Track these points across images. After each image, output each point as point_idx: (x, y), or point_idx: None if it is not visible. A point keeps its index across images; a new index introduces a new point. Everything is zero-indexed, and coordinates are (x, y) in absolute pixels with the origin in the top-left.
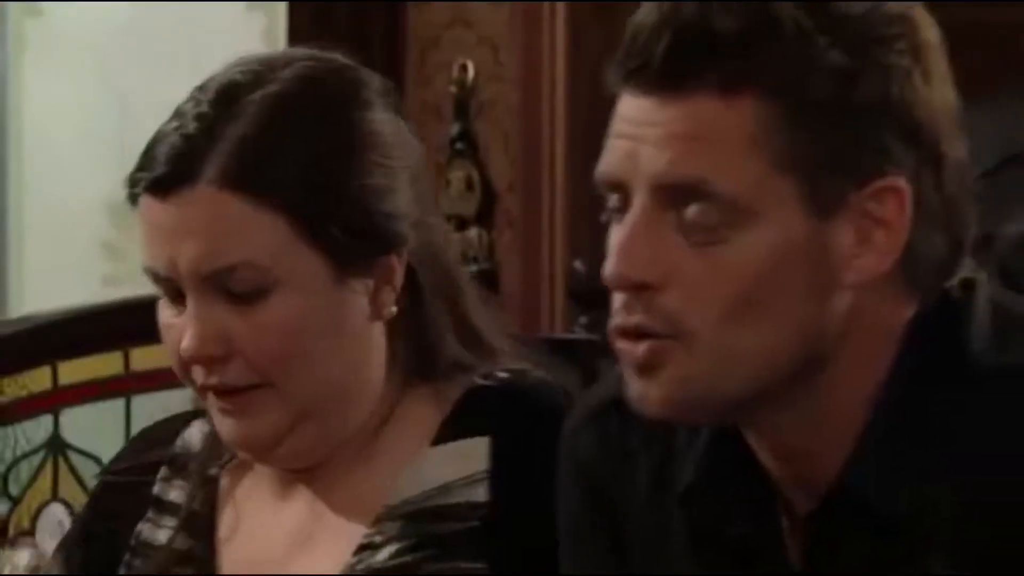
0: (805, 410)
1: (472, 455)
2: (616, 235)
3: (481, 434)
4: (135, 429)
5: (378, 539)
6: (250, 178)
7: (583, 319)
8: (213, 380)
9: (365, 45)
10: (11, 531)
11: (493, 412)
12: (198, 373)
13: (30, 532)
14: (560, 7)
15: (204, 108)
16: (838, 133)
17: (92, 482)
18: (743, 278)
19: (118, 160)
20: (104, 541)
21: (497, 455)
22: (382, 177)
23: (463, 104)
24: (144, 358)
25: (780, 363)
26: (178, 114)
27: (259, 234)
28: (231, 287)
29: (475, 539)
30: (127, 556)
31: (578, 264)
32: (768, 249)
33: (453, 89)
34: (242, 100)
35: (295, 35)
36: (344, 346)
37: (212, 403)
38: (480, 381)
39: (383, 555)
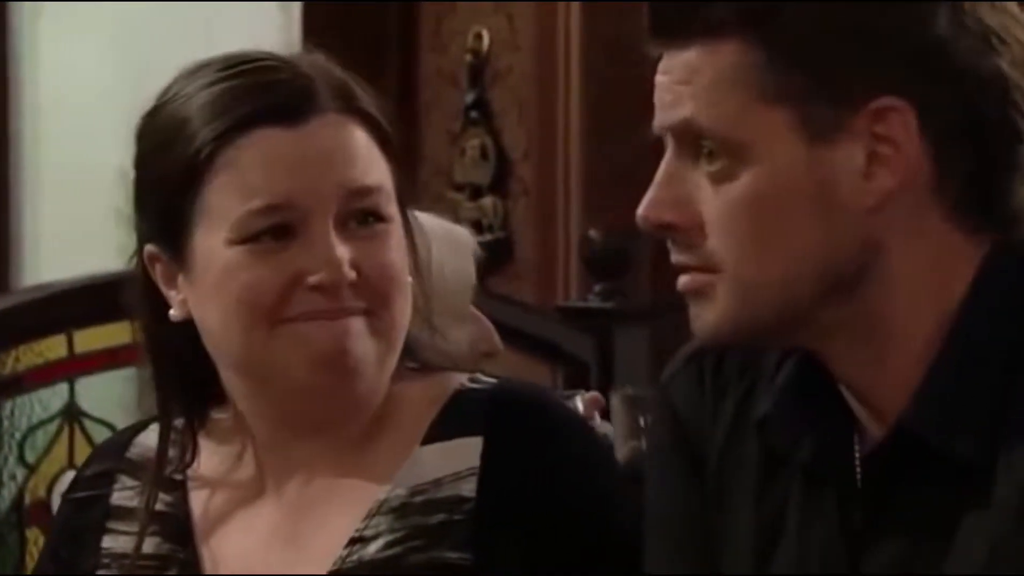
0: (862, 341)
1: (464, 453)
2: None
3: (473, 434)
4: None
5: (369, 533)
6: None
7: (598, 287)
8: (351, 304)
9: (381, 11)
10: (27, 498)
11: (485, 414)
12: (315, 300)
13: (46, 499)
14: None
15: None
16: (824, 61)
17: None
18: (749, 210)
19: (134, 127)
20: (72, 562)
21: (489, 453)
22: None
23: (478, 72)
24: None
25: (802, 289)
26: None
27: None
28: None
29: (461, 530)
30: (98, 572)
31: (593, 232)
32: (769, 179)
33: (468, 57)
34: None
35: None
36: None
37: (301, 332)
38: (468, 384)
39: (373, 548)
